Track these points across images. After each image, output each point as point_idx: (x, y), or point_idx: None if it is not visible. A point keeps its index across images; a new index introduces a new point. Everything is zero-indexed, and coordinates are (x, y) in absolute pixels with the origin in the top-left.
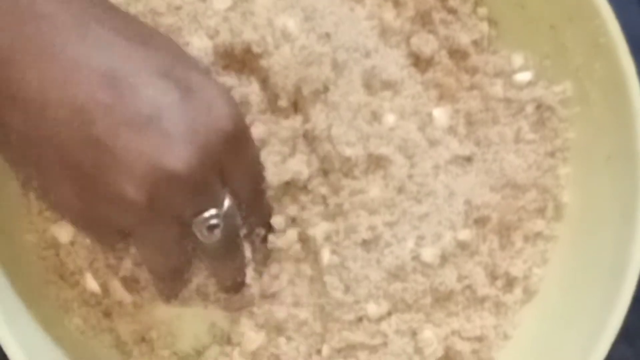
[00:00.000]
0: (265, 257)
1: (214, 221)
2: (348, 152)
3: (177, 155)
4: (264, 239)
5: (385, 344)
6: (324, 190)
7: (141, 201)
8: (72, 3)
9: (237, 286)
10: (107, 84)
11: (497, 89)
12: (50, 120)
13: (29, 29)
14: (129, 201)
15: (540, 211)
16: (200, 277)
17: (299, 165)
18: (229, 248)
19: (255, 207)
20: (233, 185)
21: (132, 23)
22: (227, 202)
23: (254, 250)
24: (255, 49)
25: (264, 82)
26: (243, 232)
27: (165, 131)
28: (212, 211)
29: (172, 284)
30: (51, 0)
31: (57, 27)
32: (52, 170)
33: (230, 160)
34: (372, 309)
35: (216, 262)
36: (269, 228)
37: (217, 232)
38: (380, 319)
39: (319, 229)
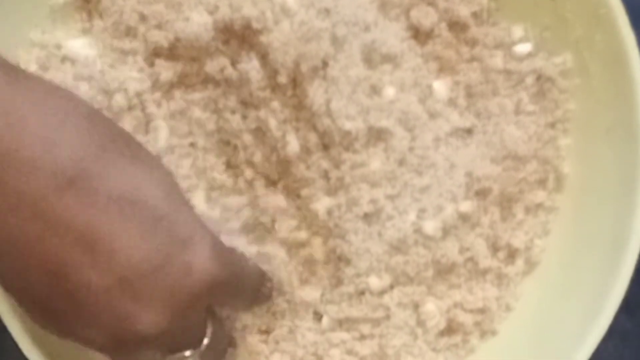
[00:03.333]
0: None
1: None
2: (348, 125)
3: (146, 320)
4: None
5: (387, 317)
6: (325, 164)
7: (108, 348)
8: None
9: None
10: (83, 245)
11: (497, 60)
12: (23, 270)
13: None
14: (96, 346)
15: (541, 182)
16: None
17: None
18: None
19: (254, 305)
20: (227, 304)
21: (128, 163)
22: (206, 340)
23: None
24: (255, 25)
25: (264, 59)
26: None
27: (136, 295)
28: (187, 352)
29: None
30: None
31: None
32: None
33: (219, 298)
34: (374, 282)
35: None
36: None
37: None
38: (382, 292)
39: (320, 204)
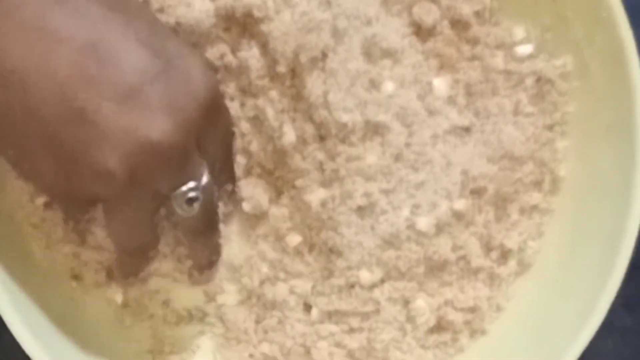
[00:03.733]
0: (232, 211)
1: (193, 194)
2: (345, 118)
3: (158, 128)
4: (232, 193)
5: (377, 312)
6: (320, 156)
7: (122, 173)
8: None
9: (211, 264)
10: (89, 55)
11: (498, 60)
12: (31, 92)
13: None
14: (110, 174)
15: (537, 184)
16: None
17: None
18: (207, 224)
19: (226, 166)
20: (208, 150)
21: None
22: (205, 176)
23: (224, 205)
24: (256, 13)
25: (264, 47)
26: (221, 209)
27: (147, 103)
28: (191, 184)
29: (135, 261)
30: None
31: None
32: (30, 140)
33: (207, 128)
34: (365, 275)
35: (194, 239)
36: (234, 181)
37: (197, 206)
38: (372, 286)
39: (314, 195)
